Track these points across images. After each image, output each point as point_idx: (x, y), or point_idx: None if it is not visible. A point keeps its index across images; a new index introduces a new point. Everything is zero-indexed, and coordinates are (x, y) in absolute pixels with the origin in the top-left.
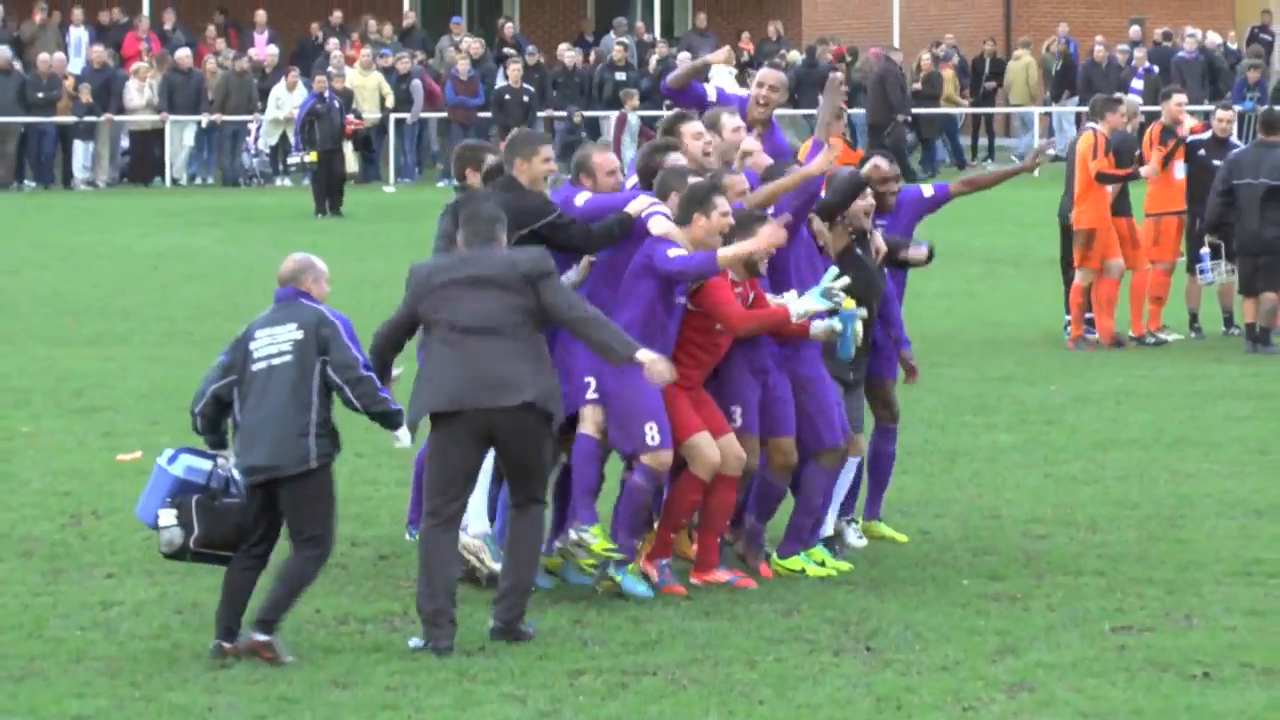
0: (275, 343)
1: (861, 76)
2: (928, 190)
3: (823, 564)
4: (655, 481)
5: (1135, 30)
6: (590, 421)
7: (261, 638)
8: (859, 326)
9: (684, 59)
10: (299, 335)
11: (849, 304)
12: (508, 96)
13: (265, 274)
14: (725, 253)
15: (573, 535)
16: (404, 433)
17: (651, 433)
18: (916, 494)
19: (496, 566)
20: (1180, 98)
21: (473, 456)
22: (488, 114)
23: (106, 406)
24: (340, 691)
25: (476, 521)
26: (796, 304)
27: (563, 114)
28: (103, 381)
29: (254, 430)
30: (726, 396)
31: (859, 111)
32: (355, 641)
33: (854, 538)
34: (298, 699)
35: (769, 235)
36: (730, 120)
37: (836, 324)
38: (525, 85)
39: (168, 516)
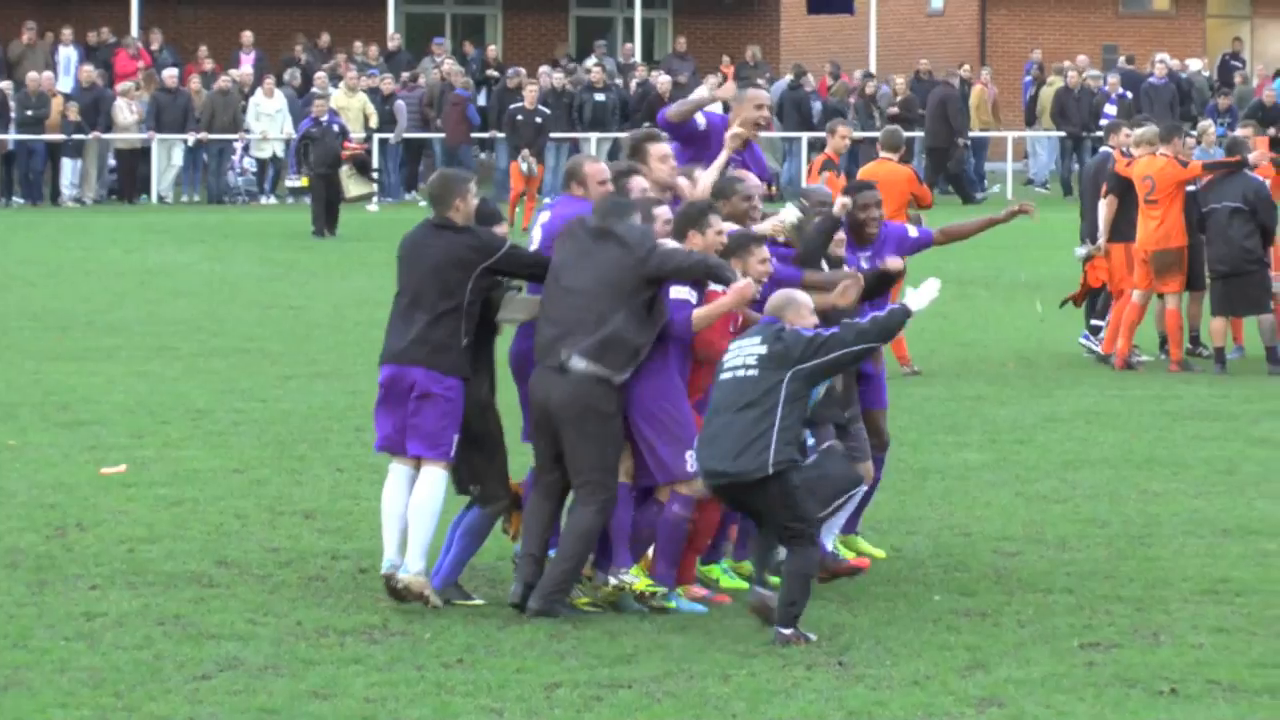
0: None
1: (838, 100)
2: (913, 232)
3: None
4: (692, 509)
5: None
6: (622, 467)
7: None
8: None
9: (665, 82)
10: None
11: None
12: (520, 117)
13: (250, 291)
14: (700, 313)
15: (613, 581)
16: None
17: (691, 460)
18: (889, 511)
19: (438, 601)
20: (1125, 133)
21: None
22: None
23: (92, 420)
24: (320, 703)
25: (415, 560)
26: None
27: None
28: (89, 396)
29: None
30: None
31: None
32: (335, 653)
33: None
34: (278, 710)
35: (740, 291)
36: (658, 149)
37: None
38: (540, 107)
39: None
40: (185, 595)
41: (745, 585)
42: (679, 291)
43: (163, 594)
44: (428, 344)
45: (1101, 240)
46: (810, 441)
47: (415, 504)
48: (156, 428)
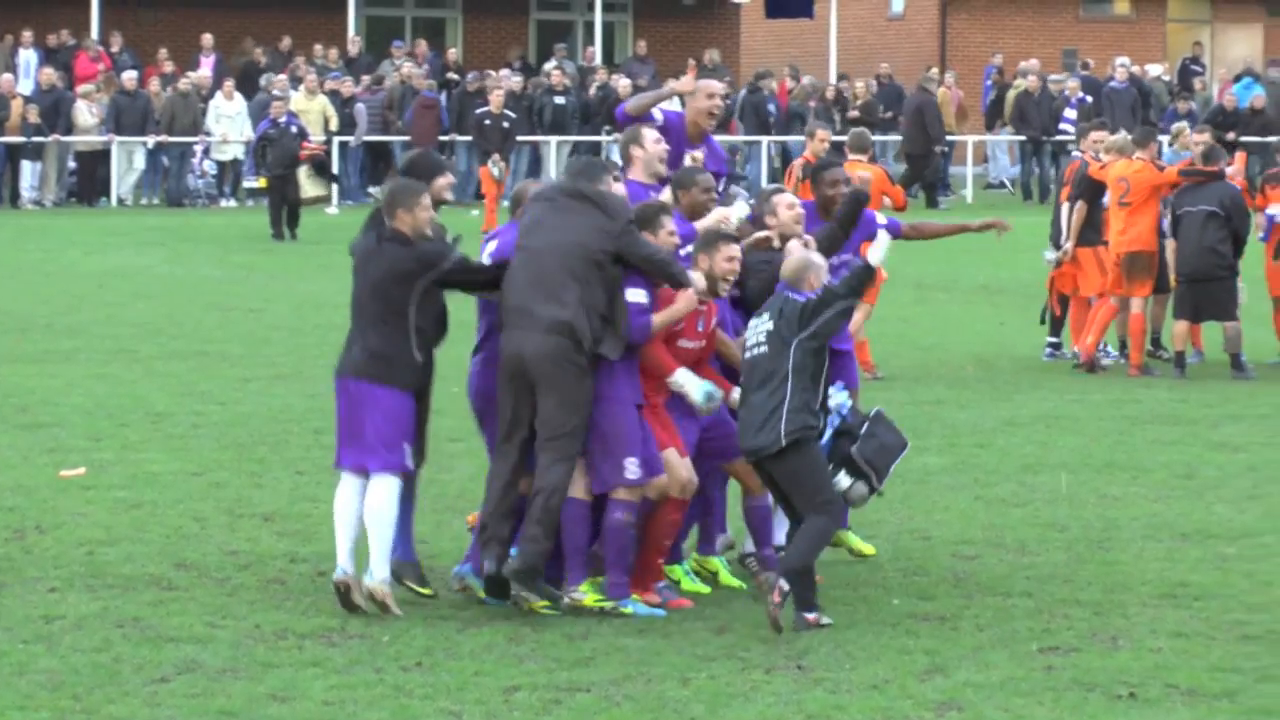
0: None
1: (800, 104)
2: (881, 219)
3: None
4: (634, 514)
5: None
6: (579, 484)
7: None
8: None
9: (625, 86)
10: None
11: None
12: (488, 122)
13: (210, 293)
14: (658, 319)
15: (565, 600)
16: None
17: (631, 467)
18: (849, 515)
19: (397, 611)
20: (1098, 134)
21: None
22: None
23: (51, 423)
24: (278, 706)
25: (378, 567)
26: (690, 383)
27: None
28: (48, 398)
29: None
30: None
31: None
32: (293, 656)
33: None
34: (236, 712)
35: (689, 297)
36: (651, 133)
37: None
38: (506, 111)
39: (843, 479)
40: (144, 598)
41: (707, 589)
42: (635, 295)
43: (121, 597)
44: (370, 356)
45: (1069, 245)
46: (843, 406)
47: (369, 512)
48: (115, 430)
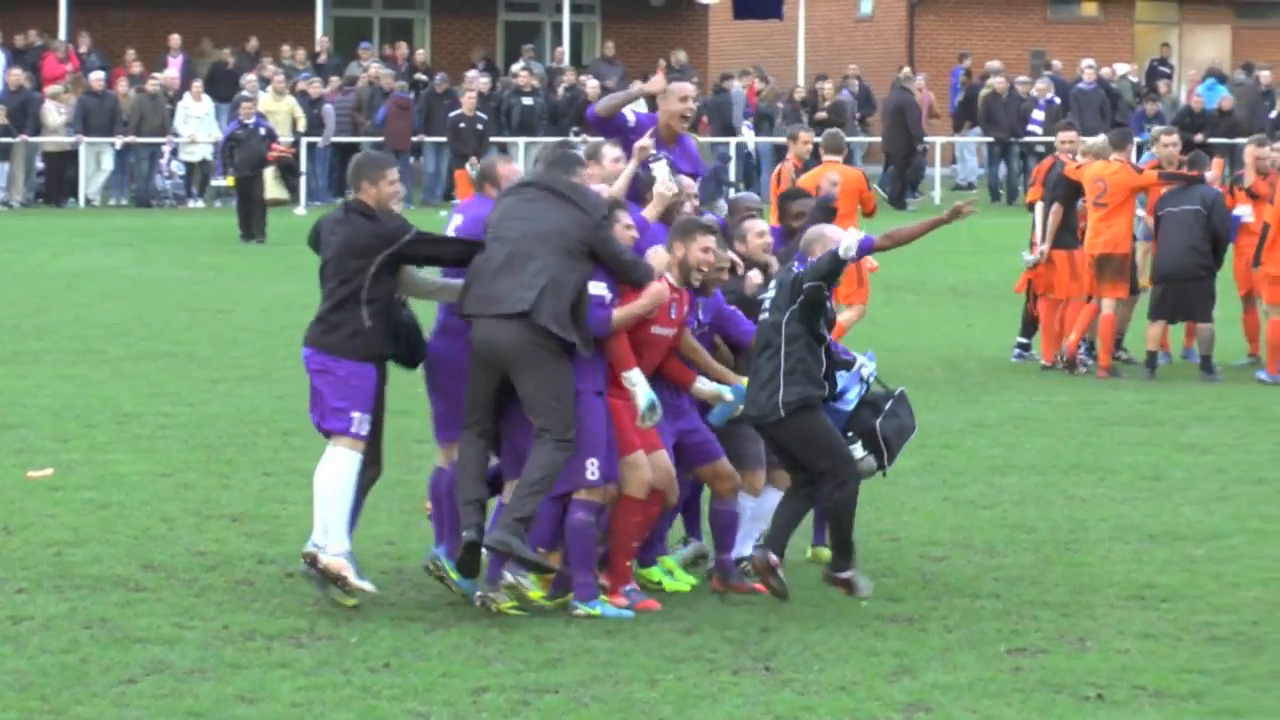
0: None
1: (768, 104)
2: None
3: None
4: (595, 513)
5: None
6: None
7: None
8: (740, 409)
9: (593, 87)
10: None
11: (746, 382)
12: (462, 124)
13: (178, 294)
14: (619, 314)
15: (509, 578)
16: None
17: (591, 468)
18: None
19: (364, 585)
20: (1068, 134)
21: None
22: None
23: (18, 424)
24: (247, 707)
25: (333, 540)
26: (640, 387)
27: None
28: (15, 399)
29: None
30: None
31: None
32: (262, 657)
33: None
34: (204, 713)
35: (654, 293)
36: (611, 151)
37: (727, 394)
38: (479, 113)
39: (858, 450)
40: (112, 599)
41: (688, 586)
42: (595, 288)
43: (89, 597)
44: (325, 325)
45: (1045, 247)
46: (873, 376)
47: (318, 483)
48: (83, 431)
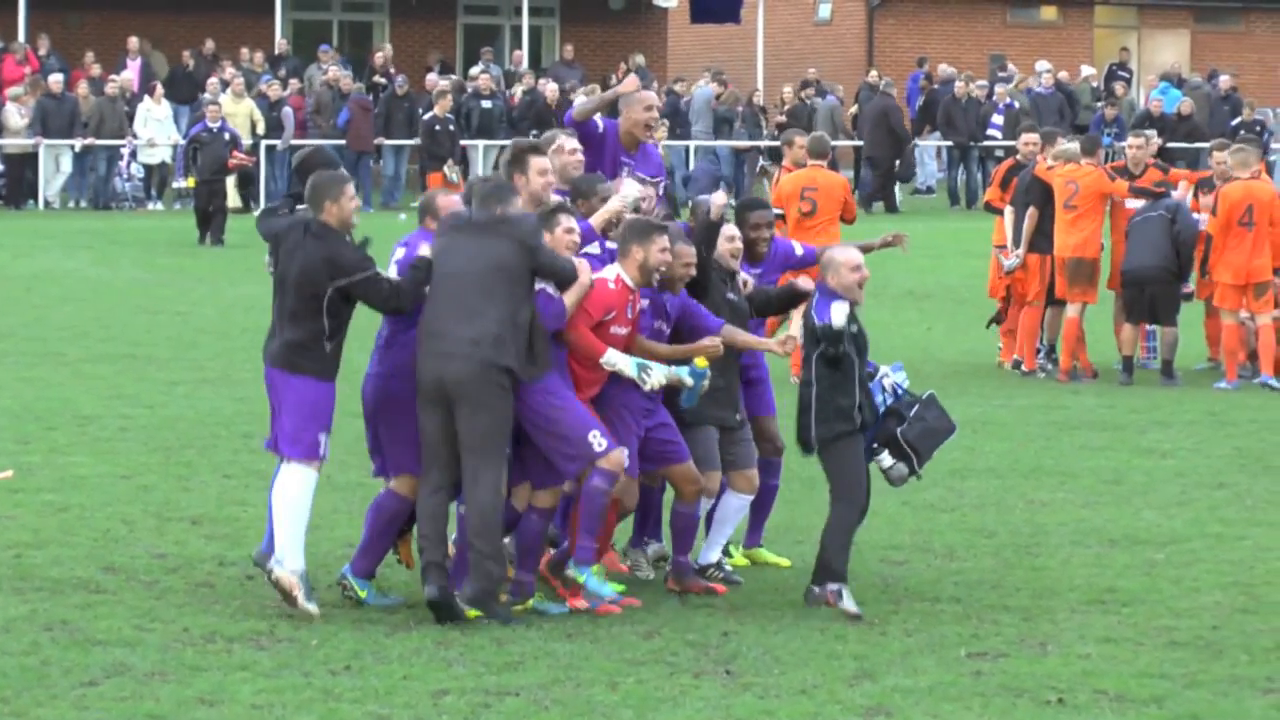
0: None
1: (728, 108)
2: (798, 249)
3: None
4: (613, 481)
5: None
6: (519, 498)
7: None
8: (705, 385)
9: (552, 90)
10: None
11: (701, 363)
12: (437, 127)
13: (137, 297)
14: (569, 298)
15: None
16: None
17: (596, 439)
18: (777, 520)
19: (310, 607)
20: (1030, 136)
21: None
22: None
23: None
24: (207, 709)
25: (285, 556)
26: (622, 360)
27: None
28: None
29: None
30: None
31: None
32: (222, 660)
33: (645, 570)
34: (165, 716)
35: (586, 272)
36: (568, 142)
37: (688, 378)
38: (449, 115)
39: (885, 459)
40: (72, 601)
41: (621, 587)
42: (544, 283)
43: (50, 600)
44: (285, 345)
45: (1021, 250)
46: (899, 385)
47: (278, 498)
48: (43, 434)
